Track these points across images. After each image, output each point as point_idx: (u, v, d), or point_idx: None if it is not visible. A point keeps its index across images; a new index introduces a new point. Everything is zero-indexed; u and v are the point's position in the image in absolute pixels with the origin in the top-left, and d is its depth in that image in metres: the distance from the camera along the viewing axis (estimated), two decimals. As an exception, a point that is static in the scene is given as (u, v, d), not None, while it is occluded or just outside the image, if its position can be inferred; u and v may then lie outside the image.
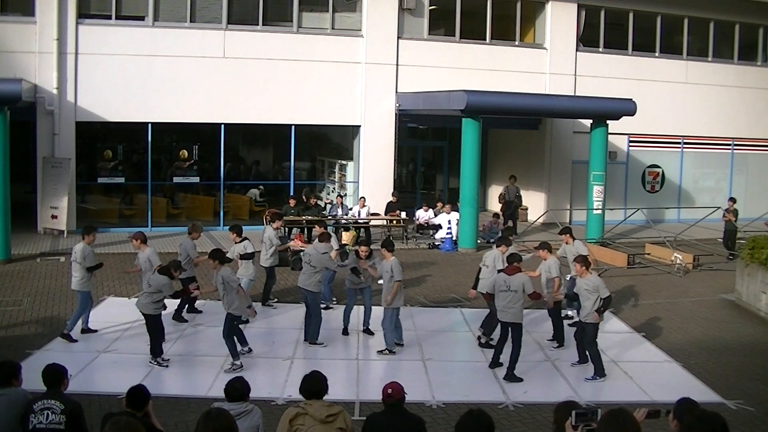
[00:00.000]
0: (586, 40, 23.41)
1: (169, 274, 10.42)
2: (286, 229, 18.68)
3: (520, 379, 10.12)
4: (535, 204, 23.46)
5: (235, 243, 12.66)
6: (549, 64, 22.89)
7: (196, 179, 21.14)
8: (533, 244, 19.42)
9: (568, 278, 12.33)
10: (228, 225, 20.19)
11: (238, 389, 5.95)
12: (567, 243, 13.03)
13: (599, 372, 10.30)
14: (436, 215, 20.29)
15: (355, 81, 21.05)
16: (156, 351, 10.27)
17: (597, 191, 20.09)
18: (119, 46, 19.01)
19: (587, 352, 10.49)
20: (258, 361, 10.58)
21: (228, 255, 12.72)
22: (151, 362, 10.20)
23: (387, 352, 11.03)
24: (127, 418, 5.03)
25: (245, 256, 12.47)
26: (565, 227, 13.63)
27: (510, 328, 10.38)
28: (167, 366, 10.22)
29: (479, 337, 11.70)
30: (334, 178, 22.63)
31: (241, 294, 10.46)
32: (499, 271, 11.22)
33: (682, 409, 4.86)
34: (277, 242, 13.64)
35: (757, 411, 9.37)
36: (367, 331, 11.89)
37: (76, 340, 11.13)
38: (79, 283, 11.33)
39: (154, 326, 10.29)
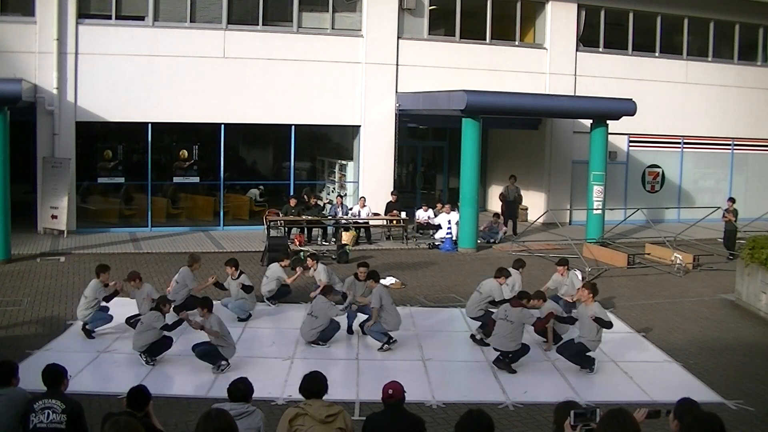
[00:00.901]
0: (586, 40, 23.41)
1: (159, 311, 10.23)
2: (286, 228, 18.70)
3: (513, 371, 10.24)
4: (535, 204, 23.46)
5: (233, 278, 12.39)
6: (549, 64, 22.89)
7: (196, 179, 21.12)
8: (533, 244, 19.52)
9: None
10: (228, 225, 20.43)
11: (241, 390, 5.94)
12: (562, 275, 12.85)
13: (590, 365, 10.42)
14: (435, 215, 20.30)
15: (355, 81, 21.05)
16: (153, 352, 10.27)
17: (597, 191, 20.09)
18: (119, 46, 19.01)
19: (573, 357, 10.51)
20: (258, 361, 10.57)
21: (225, 284, 12.54)
22: (141, 355, 10.18)
23: (386, 347, 11.05)
24: (126, 418, 5.04)
25: (245, 289, 12.32)
26: (563, 259, 13.35)
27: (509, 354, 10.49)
28: (153, 365, 10.12)
29: (472, 335, 11.71)
30: (334, 178, 22.63)
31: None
32: (501, 301, 11.34)
33: (683, 410, 4.86)
34: (283, 278, 13.22)
35: (757, 411, 9.36)
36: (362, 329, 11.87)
37: (93, 337, 11.22)
38: (81, 312, 11.26)
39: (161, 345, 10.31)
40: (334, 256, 17.10)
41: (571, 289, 12.50)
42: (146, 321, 10.16)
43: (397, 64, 21.31)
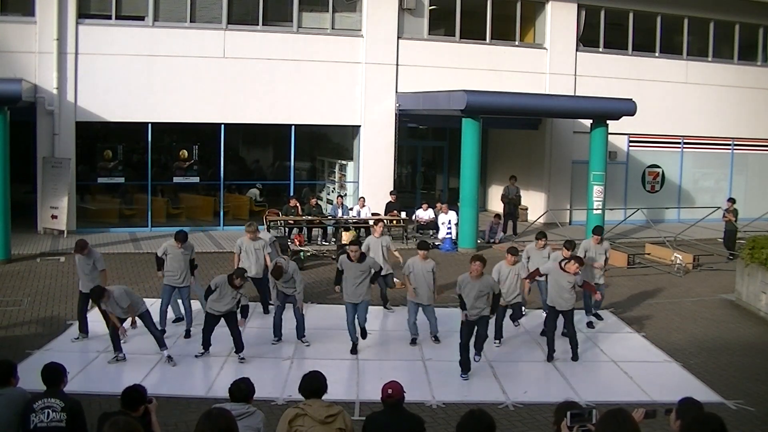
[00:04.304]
0: (586, 40, 23.41)
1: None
2: (286, 229, 18.68)
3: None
4: (535, 204, 23.46)
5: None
6: (549, 64, 22.88)
7: (196, 179, 21.12)
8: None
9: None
10: (228, 225, 20.40)
11: (243, 390, 5.93)
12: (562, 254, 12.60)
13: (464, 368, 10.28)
14: (436, 215, 20.29)
15: (355, 81, 21.04)
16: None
17: (597, 191, 20.07)
18: (119, 46, 19.01)
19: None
20: (258, 361, 10.58)
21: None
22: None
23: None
24: (126, 418, 5.03)
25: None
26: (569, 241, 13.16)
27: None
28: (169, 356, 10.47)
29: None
30: (334, 178, 22.64)
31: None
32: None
33: (685, 409, 4.85)
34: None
35: (757, 411, 9.37)
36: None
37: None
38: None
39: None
40: (333, 256, 17.09)
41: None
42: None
43: (397, 64, 21.31)
